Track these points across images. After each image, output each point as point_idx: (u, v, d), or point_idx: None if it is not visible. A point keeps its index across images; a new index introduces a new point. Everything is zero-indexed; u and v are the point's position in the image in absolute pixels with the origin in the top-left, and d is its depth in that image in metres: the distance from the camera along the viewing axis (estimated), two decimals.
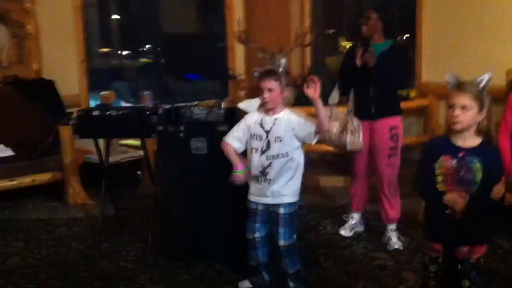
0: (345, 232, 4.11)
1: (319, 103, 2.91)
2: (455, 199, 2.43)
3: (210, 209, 3.56)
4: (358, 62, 3.73)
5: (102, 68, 7.31)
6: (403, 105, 5.53)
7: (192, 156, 3.48)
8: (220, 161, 3.46)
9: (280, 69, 3.10)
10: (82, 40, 5.88)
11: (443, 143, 2.53)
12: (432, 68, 5.66)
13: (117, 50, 8.03)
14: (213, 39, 6.80)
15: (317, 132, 3.02)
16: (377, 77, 3.75)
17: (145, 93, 4.90)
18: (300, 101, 6.25)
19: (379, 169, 3.92)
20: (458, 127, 2.45)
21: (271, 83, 3.05)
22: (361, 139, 3.83)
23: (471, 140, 2.48)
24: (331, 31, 8.83)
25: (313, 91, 2.89)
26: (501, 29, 4.98)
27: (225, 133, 3.37)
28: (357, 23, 3.89)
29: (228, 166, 3.28)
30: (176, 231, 3.78)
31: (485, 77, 2.47)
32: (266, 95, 3.05)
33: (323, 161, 5.93)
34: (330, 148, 5.55)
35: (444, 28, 5.46)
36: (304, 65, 7.12)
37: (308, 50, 7.08)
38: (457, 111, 2.43)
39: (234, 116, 3.54)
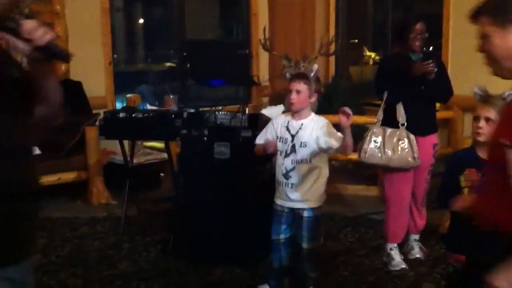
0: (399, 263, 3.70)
1: (348, 132, 2.94)
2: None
3: (232, 213, 3.59)
4: (417, 72, 3.50)
5: (127, 71, 7.41)
6: None
7: (215, 160, 3.52)
8: (242, 166, 3.50)
9: (312, 74, 3.13)
10: (109, 42, 5.98)
11: (468, 156, 2.52)
12: (457, 81, 5.61)
13: (142, 53, 8.13)
14: (237, 46, 6.83)
15: (337, 151, 3.08)
16: (429, 91, 3.61)
17: (170, 96, 4.95)
18: (322, 108, 6.33)
19: (418, 185, 3.78)
20: (482, 138, 2.44)
21: (300, 85, 3.07)
22: (416, 155, 3.59)
23: None
24: (355, 40, 8.85)
25: (345, 120, 2.89)
26: None
27: (248, 138, 3.41)
28: (402, 34, 3.65)
29: (250, 171, 3.32)
30: (196, 235, 3.81)
31: (509, 91, 2.47)
32: (294, 96, 3.07)
33: (344, 169, 5.92)
34: (352, 156, 5.59)
35: (470, 39, 5.41)
36: (328, 74, 7.14)
37: (332, 59, 7.11)
38: (481, 123, 2.43)
39: (258, 121, 3.58)
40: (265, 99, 7.15)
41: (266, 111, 5.15)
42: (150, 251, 3.97)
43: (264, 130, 3.25)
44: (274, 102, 6.48)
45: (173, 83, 6.49)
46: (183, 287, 3.44)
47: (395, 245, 3.76)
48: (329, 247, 4.01)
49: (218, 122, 3.61)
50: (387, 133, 3.63)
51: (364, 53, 9.68)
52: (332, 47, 6.45)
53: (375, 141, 3.67)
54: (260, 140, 3.22)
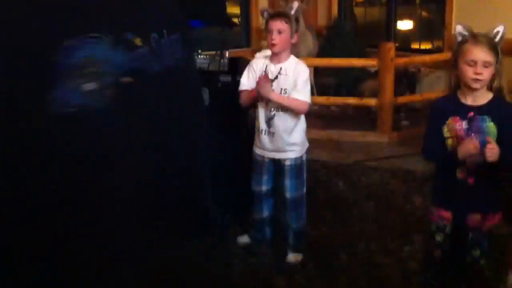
0: None
1: (279, 98, 2.88)
2: (464, 147, 2.18)
3: (212, 162, 3.45)
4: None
5: None
6: (435, 57, 5.25)
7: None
8: (223, 113, 3.34)
9: (292, 12, 2.89)
10: None
11: (450, 104, 2.30)
12: (463, 19, 5.30)
13: None
14: None
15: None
16: None
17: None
18: (324, 52, 6.10)
19: None
20: (478, 85, 2.21)
21: (282, 24, 2.86)
22: None
23: (481, 98, 2.26)
24: None
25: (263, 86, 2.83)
26: None
27: (228, 83, 3.23)
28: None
29: (231, 118, 3.15)
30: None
31: (501, 29, 2.23)
32: (275, 36, 2.85)
33: (343, 115, 5.72)
34: (352, 101, 5.39)
35: None
36: (330, 15, 6.85)
37: None
38: (481, 69, 2.18)
39: (238, 66, 3.39)
40: (265, 43, 6.89)
41: (260, 55, 4.92)
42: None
43: (244, 75, 3.05)
44: None
45: None
46: None
47: None
48: (318, 195, 3.88)
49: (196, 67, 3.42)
50: None
51: None
52: None
53: None
54: (245, 85, 3.02)
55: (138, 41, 1.77)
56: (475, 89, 2.23)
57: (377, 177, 4.20)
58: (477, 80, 2.19)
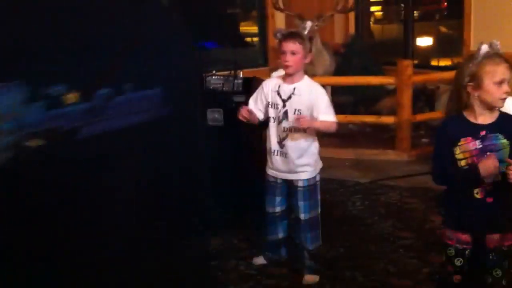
0: None
1: (318, 124, 2.85)
2: (485, 165, 2.14)
3: (228, 182, 3.44)
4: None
5: None
6: (453, 74, 5.20)
7: (209, 127, 3.36)
8: (237, 133, 3.34)
9: (305, 32, 2.87)
10: None
11: (460, 125, 2.24)
12: (481, 36, 5.26)
13: None
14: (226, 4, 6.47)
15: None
16: None
17: None
18: (341, 69, 6.08)
19: None
20: (503, 104, 2.18)
21: (295, 46, 2.82)
22: None
23: (489, 116, 2.21)
24: None
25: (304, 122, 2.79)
26: None
27: (242, 104, 3.22)
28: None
29: (245, 138, 3.14)
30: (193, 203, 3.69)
31: (498, 43, 2.20)
32: (289, 58, 2.82)
33: (361, 133, 5.68)
34: (370, 119, 5.36)
35: None
36: (347, 32, 6.84)
37: (351, 16, 6.79)
38: (506, 87, 2.14)
39: (252, 85, 3.39)
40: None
41: (276, 74, 4.93)
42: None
43: (254, 95, 3.03)
44: None
45: None
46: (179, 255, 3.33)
47: None
48: (334, 215, 3.84)
49: (211, 88, 3.43)
50: None
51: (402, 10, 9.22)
52: (349, 3, 6.11)
53: None
54: (250, 106, 2.99)
55: (72, 97, 1.52)
56: (498, 108, 2.19)
57: (395, 195, 4.16)
58: (504, 99, 2.17)
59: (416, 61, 6.30)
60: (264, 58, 6.85)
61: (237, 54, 6.48)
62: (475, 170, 2.16)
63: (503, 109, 2.34)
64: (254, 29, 7.16)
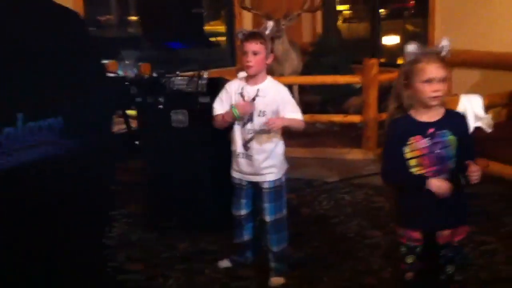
0: None
1: (288, 121, 2.82)
2: (439, 185, 2.22)
3: (193, 184, 3.41)
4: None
5: (106, 37, 7.08)
6: None
7: (173, 129, 3.32)
8: (202, 134, 3.31)
9: (267, 32, 2.85)
10: (81, 7, 5.71)
11: (408, 124, 2.28)
12: (446, 34, 5.30)
13: (119, 18, 7.74)
14: (191, 3, 6.38)
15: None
16: None
17: (143, 63, 4.71)
18: (309, 69, 6.08)
19: None
20: (439, 101, 2.21)
21: (256, 46, 2.79)
22: None
23: (436, 113, 2.27)
24: None
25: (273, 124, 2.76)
26: None
27: (207, 105, 3.19)
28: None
29: (211, 139, 3.11)
30: (161, 207, 3.64)
31: (445, 43, 2.22)
32: (250, 58, 2.79)
33: (329, 131, 5.69)
34: (337, 118, 5.37)
35: None
36: (315, 32, 6.85)
37: (319, 15, 6.81)
38: (439, 85, 2.19)
39: (218, 86, 3.35)
40: None
41: (242, 73, 4.90)
42: (114, 225, 3.80)
43: (218, 99, 2.99)
44: None
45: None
46: (143, 262, 3.28)
47: None
48: (301, 215, 3.83)
49: (175, 88, 3.39)
50: None
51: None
52: (318, 2, 6.12)
53: None
54: (218, 110, 2.95)
55: None
56: (433, 106, 2.23)
57: (362, 194, 4.18)
58: (436, 97, 2.20)
59: (383, 60, 6.35)
60: (232, 58, 6.83)
61: (204, 54, 6.46)
62: (424, 183, 2.23)
63: (459, 108, 2.40)
64: (223, 28, 7.13)
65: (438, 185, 2.22)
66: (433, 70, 2.18)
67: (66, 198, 1.71)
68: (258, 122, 2.85)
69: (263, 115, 2.84)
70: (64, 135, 1.58)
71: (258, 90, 2.86)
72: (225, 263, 3.17)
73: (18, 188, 1.55)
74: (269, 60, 2.88)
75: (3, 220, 1.53)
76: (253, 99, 2.86)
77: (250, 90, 2.88)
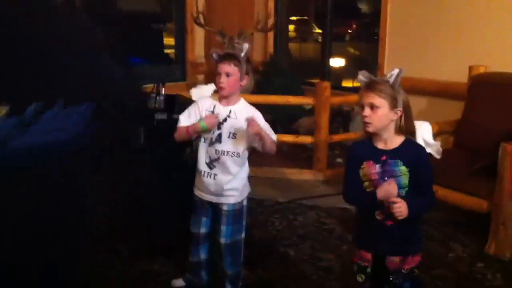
0: None
1: (264, 133, 2.72)
2: (387, 189, 2.23)
3: (150, 203, 3.32)
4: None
5: None
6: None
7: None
8: (158, 152, 3.24)
9: (242, 54, 2.81)
10: None
11: (365, 148, 2.35)
12: (394, 63, 5.47)
13: None
14: (151, 19, 6.37)
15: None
16: None
17: None
18: (260, 88, 6.10)
19: None
20: (370, 128, 2.27)
21: (230, 67, 2.75)
22: None
23: (392, 141, 2.31)
24: (305, 17, 8.59)
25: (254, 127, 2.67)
26: (464, 25, 4.80)
27: (164, 121, 3.12)
28: None
29: (167, 156, 3.04)
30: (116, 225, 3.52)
31: (395, 72, 2.28)
32: (223, 79, 2.75)
33: (279, 152, 5.70)
34: (288, 139, 5.40)
35: (407, 22, 5.28)
36: (266, 51, 6.90)
37: (271, 35, 6.87)
38: (367, 111, 2.25)
39: (175, 103, 3.30)
40: (201, 77, 6.86)
41: (195, 90, 4.85)
42: None
43: (186, 112, 2.91)
44: (210, 80, 6.19)
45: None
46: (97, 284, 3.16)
47: None
48: (255, 236, 3.80)
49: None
50: None
51: (313, 30, 9.45)
52: (270, 23, 6.18)
53: None
54: (183, 122, 2.88)
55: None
56: (370, 132, 2.29)
57: (313, 215, 4.21)
58: (365, 123, 2.26)
59: (329, 82, 6.45)
60: (183, 73, 6.77)
61: (155, 69, 6.37)
62: (375, 194, 2.26)
63: (417, 133, 2.45)
64: (170, 41, 7.06)
65: (386, 189, 2.23)
66: (364, 96, 2.24)
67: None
68: (228, 143, 2.81)
69: (234, 137, 2.80)
70: (92, 120, 1.72)
71: (230, 111, 2.82)
72: (179, 283, 3.10)
73: (50, 164, 1.70)
74: (244, 82, 2.84)
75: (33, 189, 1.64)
76: (225, 120, 2.82)
77: (222, 110, 2.83)
